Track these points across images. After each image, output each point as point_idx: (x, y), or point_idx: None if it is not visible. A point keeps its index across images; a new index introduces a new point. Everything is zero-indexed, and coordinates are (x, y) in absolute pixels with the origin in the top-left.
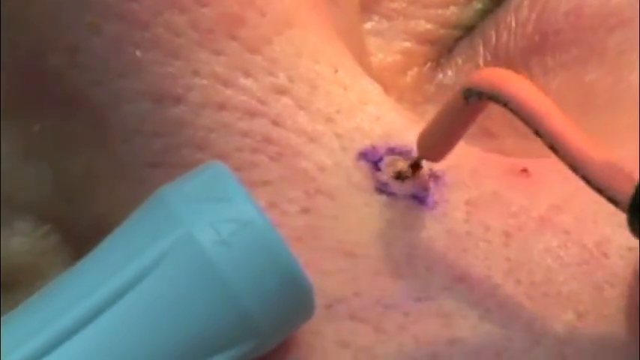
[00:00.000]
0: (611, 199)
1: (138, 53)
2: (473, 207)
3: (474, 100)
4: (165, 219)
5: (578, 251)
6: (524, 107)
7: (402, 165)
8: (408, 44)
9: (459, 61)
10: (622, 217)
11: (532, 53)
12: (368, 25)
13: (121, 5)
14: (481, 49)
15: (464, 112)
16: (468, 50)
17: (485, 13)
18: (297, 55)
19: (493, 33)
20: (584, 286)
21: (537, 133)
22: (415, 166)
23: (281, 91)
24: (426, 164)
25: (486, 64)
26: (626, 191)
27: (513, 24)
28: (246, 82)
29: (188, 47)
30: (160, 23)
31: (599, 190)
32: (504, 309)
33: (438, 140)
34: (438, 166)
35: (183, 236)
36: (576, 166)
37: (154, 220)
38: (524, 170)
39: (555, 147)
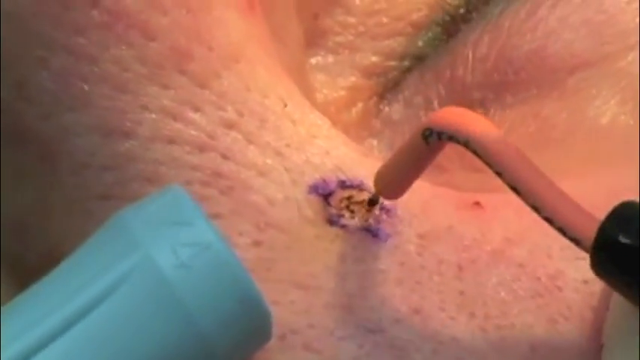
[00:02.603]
0: (574, 240)
1: (86, 87)
2: (426, 240)
3: (433, 140)
4: (124, 242)
5: (532, 284)
6: (485, 148)
7: (354, 198)
8: (353, 78)
9: (407, 94)
10: (577, 251)
11: (489, 90)
12: (313, 61)
13: (68, 39)
14: (434, 82)
15: (423, 152)
16: (418, 83)
17: (436, 43)
18: (245, 90)
19: (448, 66)
20: (538, 319)
21: (498, 173)
22: (372, 203)
23: (230, 125)
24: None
25: (439, 97)
26: (589, 232)
27: (470, 58)
28: (195, 116)
29: (136, 81)
30: (107, 58)
31: (562, 231)
32: (458, 342)
33: (396, 178)
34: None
35: (143, 259)
36: (538, 207)
37: (114, 243)
38: (477, 203)
39: (517, 188)
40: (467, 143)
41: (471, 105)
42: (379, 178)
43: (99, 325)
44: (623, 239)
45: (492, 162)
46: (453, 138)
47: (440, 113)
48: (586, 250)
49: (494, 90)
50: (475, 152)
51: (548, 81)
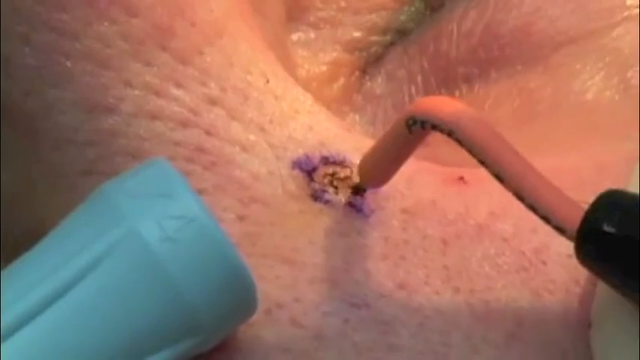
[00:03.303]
0: (559, 229)
1: (69, 64)
2: (410, 215)
3: (416, 129)
4: (109, 215)
5: (517, 258)
6: (469, 136)
7: (337, 174)
8: (335, 54)
9: (390, 68)
10: None
11: (474, 65)
12: (295, 36)
13: (50, 15)
14: (417, 56)
15: (406, 140)
16: (401, 57)
17: (420, 18)
18: (228, 66)
19: (432, 40)
20: (523, 293)
21: (482, 162)
22: (356, 191)
23: (213, 102)
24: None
25: (422, 71)
26: (574, 221)
27: (455, 33)
28: (178, 93)
29: (119, 58)
30: (90, 34)
31: (546, 219)
32: (443, 316)
33: (380, 167)
34: None
35: (129, 232)
36: (522, 195)
37: (99, 216)
38: (461, 178)
39: (501, 176)
40: (451, 132)
41: (455, 80)
42: (363, 167)
43: (85, 299)
44: (607, 228)
45: (476, 151)
46: (436, 127)
47: (424, 102)
48: (570, 239)
49: (479, 65)
50: (459, 141)
51: (533, 57)
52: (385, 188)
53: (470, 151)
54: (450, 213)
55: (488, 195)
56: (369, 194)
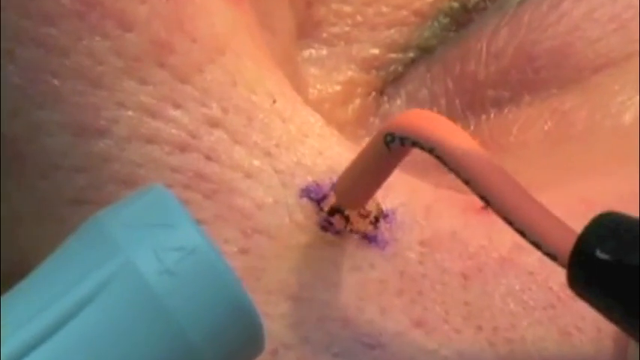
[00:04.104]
0: (550, 255)
1: (57, 82)
2: (428, 247)
3: (396, 146)
4: (103, 246)
5: (543, 294)
6: (452, 154)
7: None
8: (350, 73)
9: (411, 88)
10: None
11: (505, 88)
12: (306, 53)
13: (37, 30)
14: (442, 75)
15: (385, 158)
16: (423, 76)
17: (444, 34)
18: (231, 84)
19: (458, 60)
20: (550, 331)
21: (467, 182)
22: (332, 212)
23: (214, 124)
24: (377, 199)
25: (447, 93)
26: (565, 246)
27: (484, 53)
28: (176, 114)
29: (112, 76)
30: (80, 50)
31: (536, 245)
32: (464, 357)
33: (358, 188)
34: (389, 204)
35: (124, 265)
36: (511, 219)
37: (91, 247)
38: (484, 207)
39: (487, 198)
40: (432, 149)
41: (482, 103)
42: (340, 185)
43: (78, 337)
44: (600, 255)
45: (460, 170)
46: (417, 144)
47: (403, 117)
48: (563, 266)
49: (511, 88)
50: (441, 159)
51: (570, 80)
52: (401, 218)
53: (453, 169)
54: (472, 245)
55: None
56: (384, 224)
